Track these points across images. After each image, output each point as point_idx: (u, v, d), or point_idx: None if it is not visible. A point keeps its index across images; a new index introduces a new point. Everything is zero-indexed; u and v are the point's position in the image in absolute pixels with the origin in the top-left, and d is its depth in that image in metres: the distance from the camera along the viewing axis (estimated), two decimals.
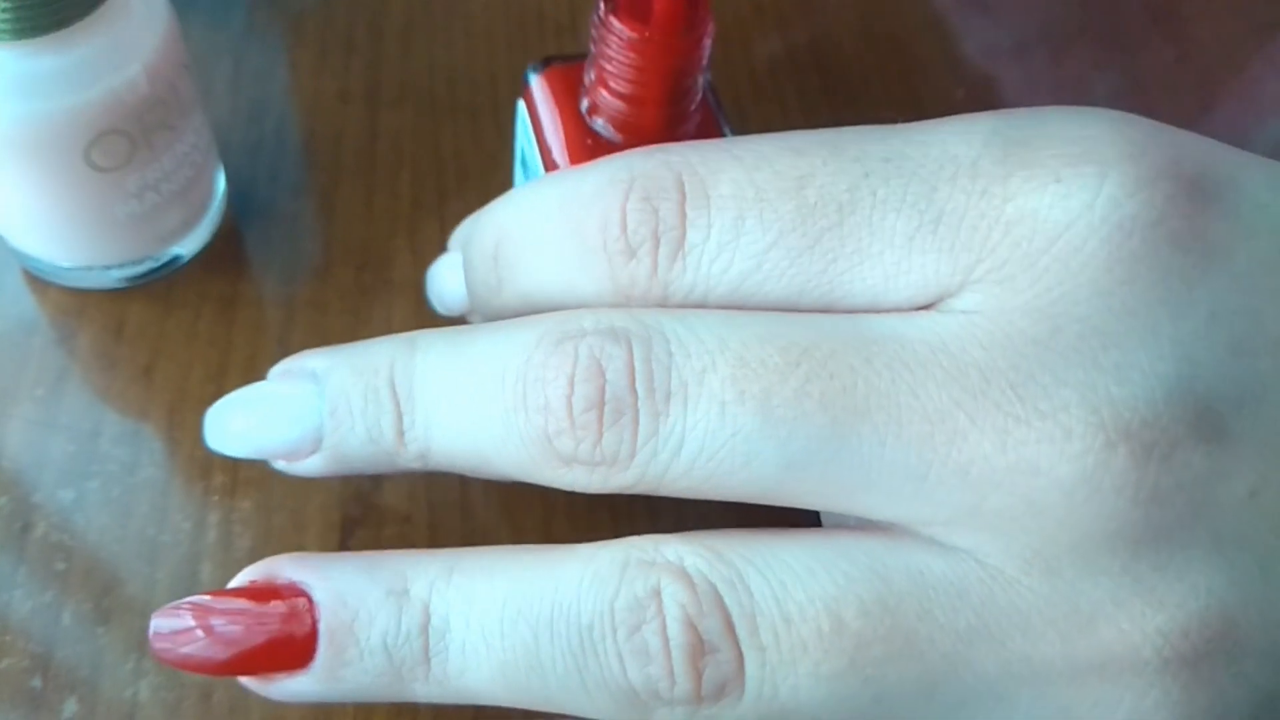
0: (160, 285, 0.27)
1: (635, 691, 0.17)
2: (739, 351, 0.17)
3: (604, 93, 0.22)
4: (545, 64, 0.24)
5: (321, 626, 0.18)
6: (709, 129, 0.23)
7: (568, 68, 0.23)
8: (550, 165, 0.23)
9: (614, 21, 0.21)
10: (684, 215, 0.18)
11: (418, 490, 0.25)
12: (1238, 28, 0.37)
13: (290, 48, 0.33)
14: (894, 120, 0.18)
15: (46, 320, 0.27)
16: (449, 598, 0.18)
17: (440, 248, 0.28)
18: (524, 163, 0.25)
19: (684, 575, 0.17)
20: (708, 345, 0.17)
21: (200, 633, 0.18)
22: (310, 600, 0.18)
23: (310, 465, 0.20)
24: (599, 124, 0.22)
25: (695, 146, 0.18)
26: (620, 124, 0.22)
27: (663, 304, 0.18)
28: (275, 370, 0.21)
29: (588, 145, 0.22)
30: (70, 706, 0.22)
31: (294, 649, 0.18)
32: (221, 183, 0.28)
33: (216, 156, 0.28)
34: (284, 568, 0.19)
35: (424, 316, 0.27)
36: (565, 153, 0.22)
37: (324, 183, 0.30)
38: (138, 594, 0.23)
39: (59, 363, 0.26)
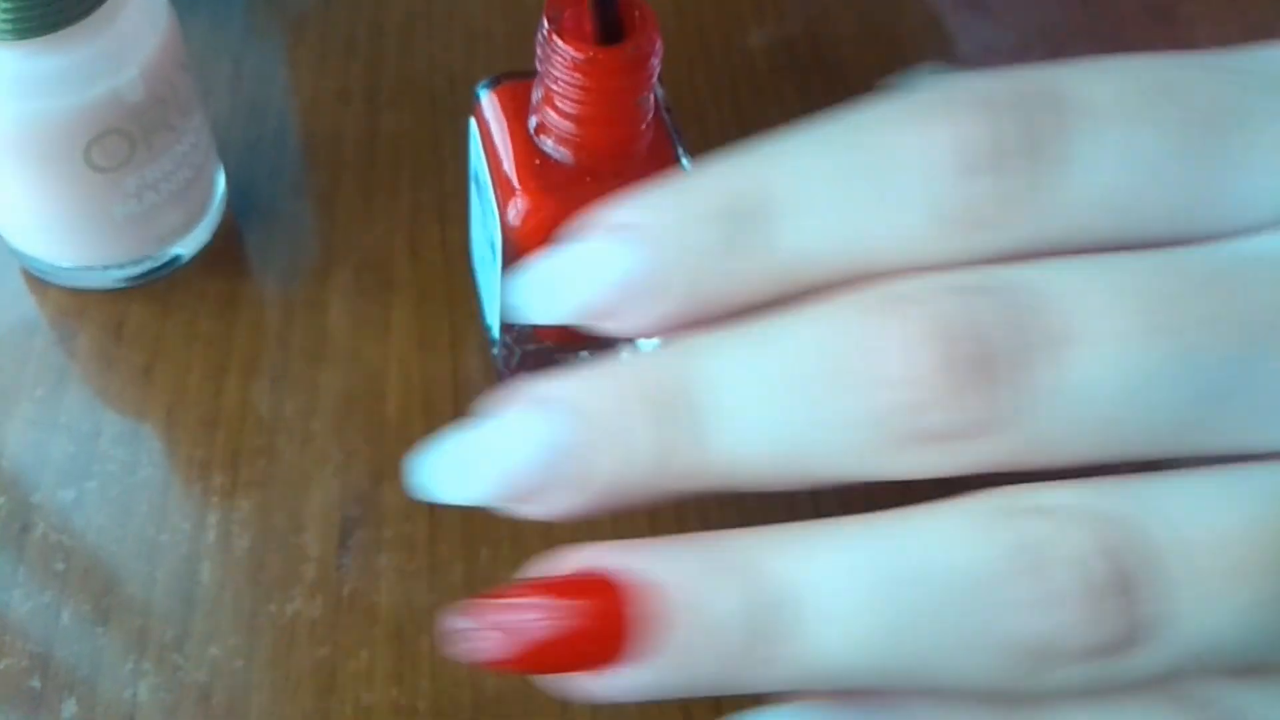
0: (160, 285, 0.27)
1: (1030, 648, 0.15)
2: (1121, 285, 0.15)
3: (551, 112, 0.21)
4: (496, 81, 0.23)
5: (658, 613, 0.16)
6: (662, 147, 0.23)
7: (518, 85, 0.23)
8: (501, 183, 0.22)
9: (558, 41, 0.20)
10: (1063, 122, 0.15)
11: None
12: (1238, 28, 0.37)
13: (290, 48, 0.33)
14: None
15: (46, 320, 0.27)
16: (803, 570, 0.16)
17: (441, 247, 0.29)
18: (476, 181, 0.25)
19: (1077, 517, 0.15)
20: (1081, 288, 0.15)
21: (534, 617, 0.16)
22: (637, 588, 0.16)
23: (568, 500, 0.17)
24: (548, 144, 0.22)
25: (1047, 66, 0.16)
26: (569, 143, 0.22)
27: (1020, 232, 0.16)
28: (503, 402, 0.17)
29: (535, 165, 0.22)
30: (70, 706, 0.22)
31: (620, 641, 0.16)
32: (221, 183, 0.28)
33: (216, 156, 0.28)
34: (609, 556, 0.16)
35: (423, 317, 0.27)
36: (515, 171, 0.22)
37: (324, 183, 0.30)
38: (137, 594, 0.23)
39: (59, 363, 0.26)
